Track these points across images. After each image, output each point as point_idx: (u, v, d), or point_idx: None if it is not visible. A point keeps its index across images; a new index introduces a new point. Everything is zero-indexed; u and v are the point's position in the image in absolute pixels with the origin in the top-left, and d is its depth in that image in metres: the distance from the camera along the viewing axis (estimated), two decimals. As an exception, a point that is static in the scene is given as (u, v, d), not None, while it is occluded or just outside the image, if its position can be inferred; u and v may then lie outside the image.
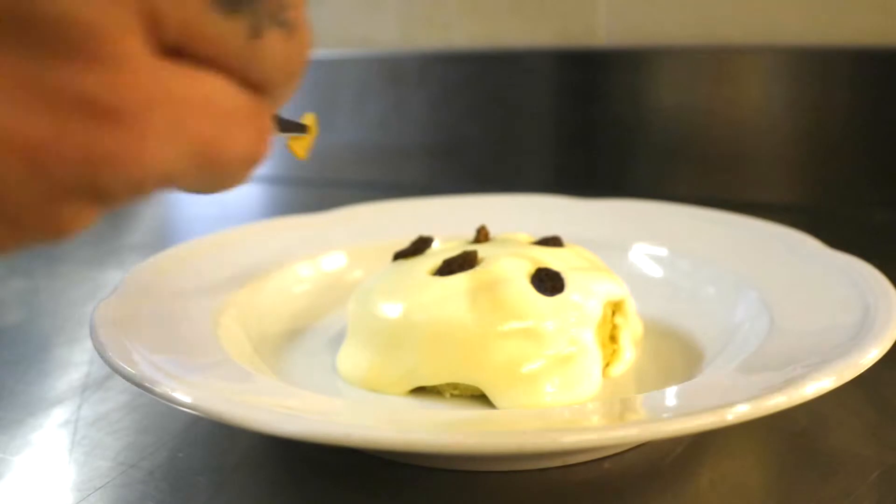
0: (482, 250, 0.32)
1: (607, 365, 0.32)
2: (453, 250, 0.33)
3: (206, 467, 0.28)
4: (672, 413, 0.24)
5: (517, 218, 0.42)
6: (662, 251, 0.40)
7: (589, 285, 0.31)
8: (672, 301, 0.37)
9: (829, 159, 0.64)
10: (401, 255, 0.34)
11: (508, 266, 0.31)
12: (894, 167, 0.62)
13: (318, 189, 0.82)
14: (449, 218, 0.44)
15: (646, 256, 0.41)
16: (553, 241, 0.34)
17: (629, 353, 0.33)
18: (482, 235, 0.36)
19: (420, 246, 0.35)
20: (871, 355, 0.24)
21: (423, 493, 0.26)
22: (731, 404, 0.22)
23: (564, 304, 0.30)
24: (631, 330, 0.33)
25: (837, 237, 0.36)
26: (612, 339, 0.32)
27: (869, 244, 0.51)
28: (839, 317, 0.28)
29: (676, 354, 0.33)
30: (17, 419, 0.32)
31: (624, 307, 0.33)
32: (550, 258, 0.32)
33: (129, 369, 0.26)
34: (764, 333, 0.29)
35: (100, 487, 0.27)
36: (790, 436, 0.29)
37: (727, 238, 0.39)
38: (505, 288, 0.30)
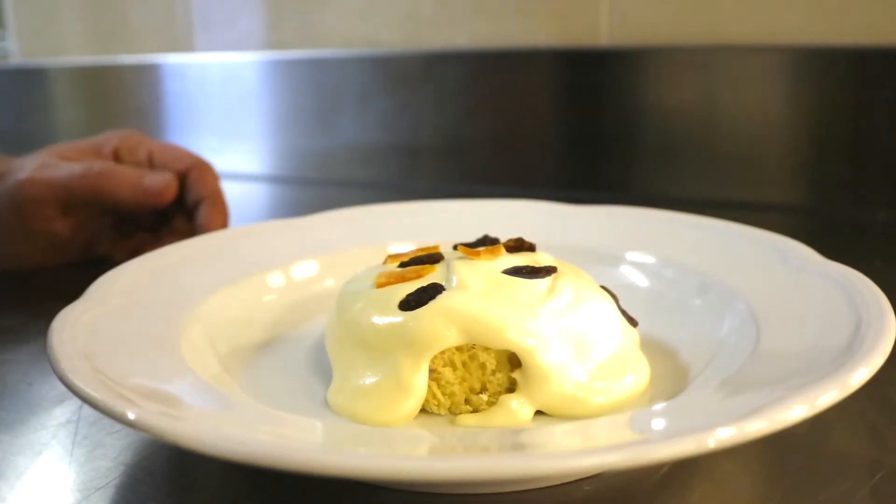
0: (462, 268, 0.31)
1: (473, 410, 0.29)
2: (430, 279, 0.31)
3: (207, 467, 0.28)
4: (656, 436, 0.23)
5: (511, 224, 0.41)
6: (651, 259, 0.39)
7: (463, 312, 0.28)
8: (658, 312, 0.36)
9: (829, 159, 0.64)
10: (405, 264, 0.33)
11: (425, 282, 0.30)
12: (895, 167, 0.61)
13: (320, 189, 0.82)
14: (444, 224, 0.43)
15: (634, 266, 0.40)
16: (527, 247, 0.34)
17: (512, 416, 0.28)
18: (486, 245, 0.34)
19: (426, 261, 0.33)
20: (859, 375, 0.24)
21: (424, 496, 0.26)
22: (714, 428, 0.21)
23: (407, 324, 0.28)
24: (539, 394, 0.28)
25: (838, 237, 0.36)
26: (496, 392, 0.29)
27: (870, 245, 0.51)
28: (828, 331, 0.28)
29: (664, 368, 0.32)
30: (19, 419, 0.32)
31: (530, 362, 0.28)
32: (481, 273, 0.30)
33: (88, 390, 0.25)
34: (749, 350, 0.29)
35: (100, 487, 0.27)
36: (792, 436, 0.29)
37: (717, 247, 0.38)
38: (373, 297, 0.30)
